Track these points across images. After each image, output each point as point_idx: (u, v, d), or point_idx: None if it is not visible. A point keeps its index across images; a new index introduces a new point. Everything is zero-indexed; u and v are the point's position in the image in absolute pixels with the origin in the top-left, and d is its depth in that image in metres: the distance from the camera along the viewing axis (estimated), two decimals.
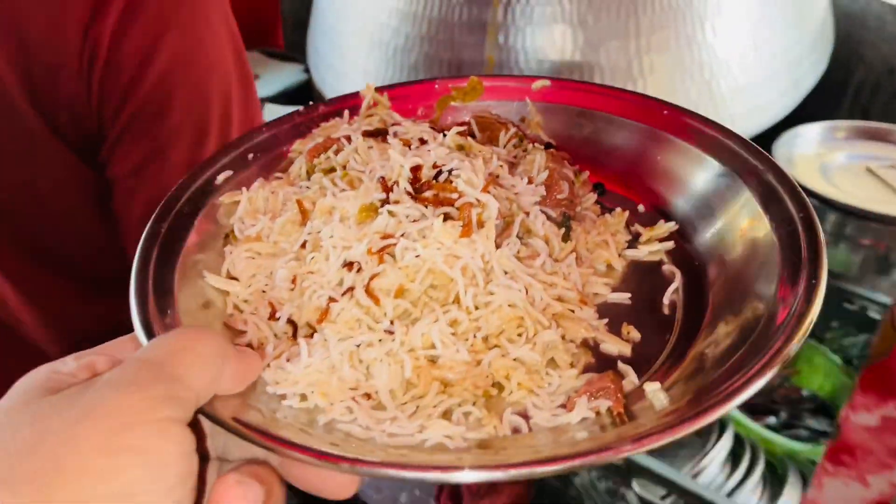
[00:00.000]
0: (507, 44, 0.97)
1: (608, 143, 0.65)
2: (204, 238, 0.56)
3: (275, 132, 0.64)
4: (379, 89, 0.67)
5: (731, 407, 0.39)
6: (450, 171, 0.53)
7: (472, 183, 0.52)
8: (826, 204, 1.02)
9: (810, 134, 1.16)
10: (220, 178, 0.59)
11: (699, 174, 0.58)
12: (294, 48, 1.67)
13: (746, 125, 1.05)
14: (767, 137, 1.10)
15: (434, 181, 0.53)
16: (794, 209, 0.50)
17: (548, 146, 0.65)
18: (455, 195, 0.51)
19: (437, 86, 0.68)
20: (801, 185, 0.51)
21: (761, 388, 0.39)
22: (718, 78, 1.00)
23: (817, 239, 0.47)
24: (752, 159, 0.55)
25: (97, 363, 0.40)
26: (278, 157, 0.63)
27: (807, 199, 0.51)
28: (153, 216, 0.54)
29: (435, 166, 0.54)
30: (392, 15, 1.02)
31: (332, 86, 1.20)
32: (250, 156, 0.62)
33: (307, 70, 1.48)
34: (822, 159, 1.13)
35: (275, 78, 1.59)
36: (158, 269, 0.51)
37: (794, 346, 0.41)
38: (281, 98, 1.50)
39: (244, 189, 0.59)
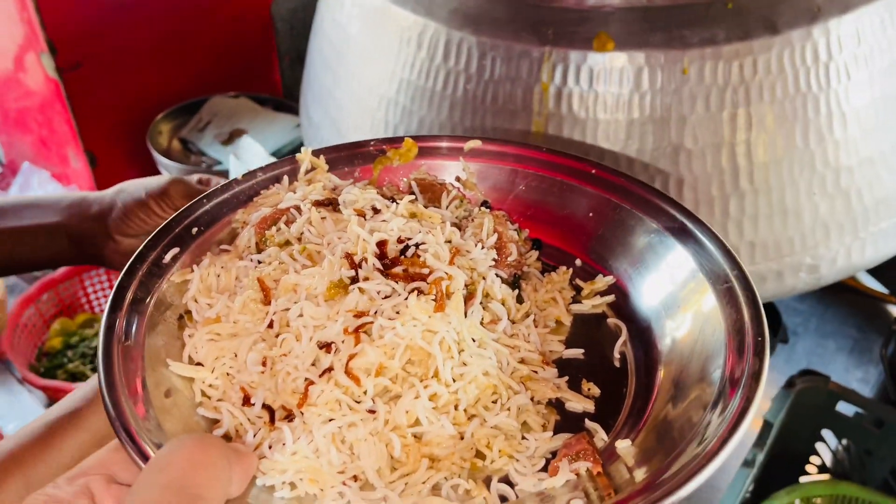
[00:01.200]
0: (559, 137, 0.73)
1: (541, 199, 0.68)
2: (159, 322, 0.54)
3: (216, 202, 0.63)
4: (315, 152, 0.68)
5: (713, 467, 0.43)
6: (417, 246, 0.54)
7: (439, 256, 0.54)
8: None
9: None
10: (168, 256, 0.57)
11: (631, 231, 0.63)
12: (294, 88, 1.46)
13: (895, 243, 0.78)
14: None
15: (402, 256, 0.54)
16: (728, 267, 0.55)
17: (484, 204, 0.68)
18: (425, 270, 0.53)
19: (371, 147, 0.69)
20: None
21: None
22: (861, 186, 0.74)
23: (753, 294, 0.53)
24: (681, 217, 0.60)
25: (92, 485, 0.39)
26: (223, 228, 0.62)
27: (737, 256, 0.56)
28: (108, 306, 0.52)
29: (400, 240, 0.55)
30: (402, 90, 0.77)
31: None
32: (195, 230, 0.60)
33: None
34: None
35: (263, 135, 1.35)
36: (125, 366, 0.49)
37: (754, 405, 0.45)
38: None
39: (194, 267, 0.57)
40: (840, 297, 1.25)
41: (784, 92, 0.71)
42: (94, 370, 1.37)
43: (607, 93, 0.72)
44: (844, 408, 0.96)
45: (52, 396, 1.33)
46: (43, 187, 1.51)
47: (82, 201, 0.84)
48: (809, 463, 1.03)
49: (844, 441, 0.99)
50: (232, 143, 1.39)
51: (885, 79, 0.74)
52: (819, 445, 1.02)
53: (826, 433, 1.00)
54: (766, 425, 0.91)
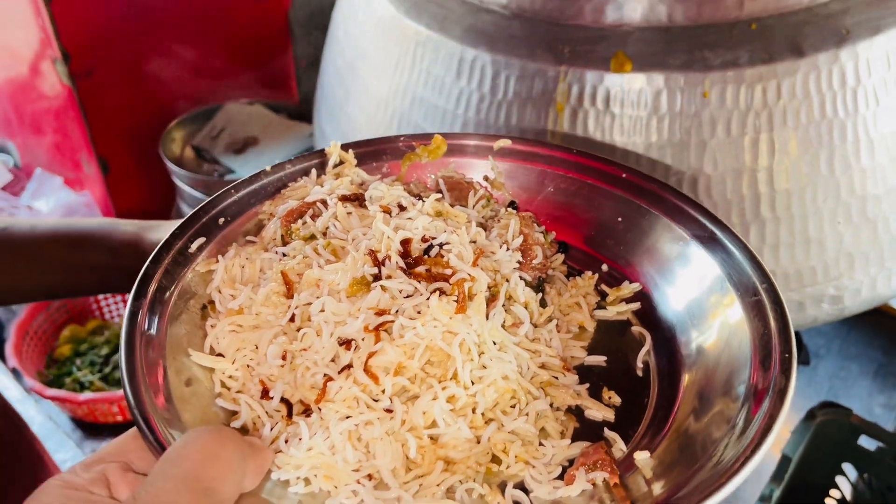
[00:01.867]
0: None
1: (569, 201, 0.67)
2: (182, 311, 0.55)
3: (243, 193, 0.63)
4: (344, 146, 0.67)
5: (732, 487, 0.42)
6: (441, 246, 0.54)
7: (462, 257, 0.53)
8: None
9: None
10: (194, 246, 0.58)
11: (660, 238, 0.61)
12: (310, 95, 1.42)
13: None
14: None
15: (425, 255, 0.54)
16: (757, 279, 0.54)
17: (511, 204, 0.67)
18: (448, 270, 0.52)
19: (401, 143, 0.69)
20: None
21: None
22: (888, 215, 0.71)
23: (782, 308, 0.52)
24: (711, 226, 0.59)
25: (109, 473, 0.39)
26: (250, 219, 0.62)
27: (766, 269, 0.55)
28: (133, 293, 0.52)
29: (424, 239, 0.55)
30: (415, 106, 0.75)
31: None
32: (221, 220, 0.61)
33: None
34: None
35: (276, 144, 1.33)
36: (146, 354, 0.49)
37: (778, 423, 0.44)
38: None
39: (220, 257, 0.58)
40: (864, 318, 1.17)
41: (809, 117, 0.69)
42: (103, 378, 1.37)
43: (624, 115, 0.70)
44: (866, 442, 0.92)
45: (61, 407, 1.33)
46: (55, 193, 1.52)
47: (140, 241, 0.80)
48: (829, 496, 0.98)
49: (866, 475, 0.95)
50: (245, 152, 1.38)
51: None
52: (839, 479, 0.97)
53: (847, 466, 0.95)
54: (784, 459, 0.88)
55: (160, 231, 0.80)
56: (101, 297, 1.51)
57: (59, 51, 1.29)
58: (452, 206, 0.63)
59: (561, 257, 0.65)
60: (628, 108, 0.70)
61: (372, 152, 0.68)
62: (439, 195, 0.61)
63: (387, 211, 0.59)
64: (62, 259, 0.82)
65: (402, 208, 0.59)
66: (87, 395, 1.30)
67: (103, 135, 1.41)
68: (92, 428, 1.35)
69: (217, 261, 0.57)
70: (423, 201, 0.60)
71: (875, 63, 0.69)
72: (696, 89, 0.68)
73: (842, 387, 0.94)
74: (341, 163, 0.67)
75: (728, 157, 0.69)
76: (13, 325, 1.40)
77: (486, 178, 0.69)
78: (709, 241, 0.59)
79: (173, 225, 0.58)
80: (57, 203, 1.51)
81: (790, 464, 0.87)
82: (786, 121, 0.69)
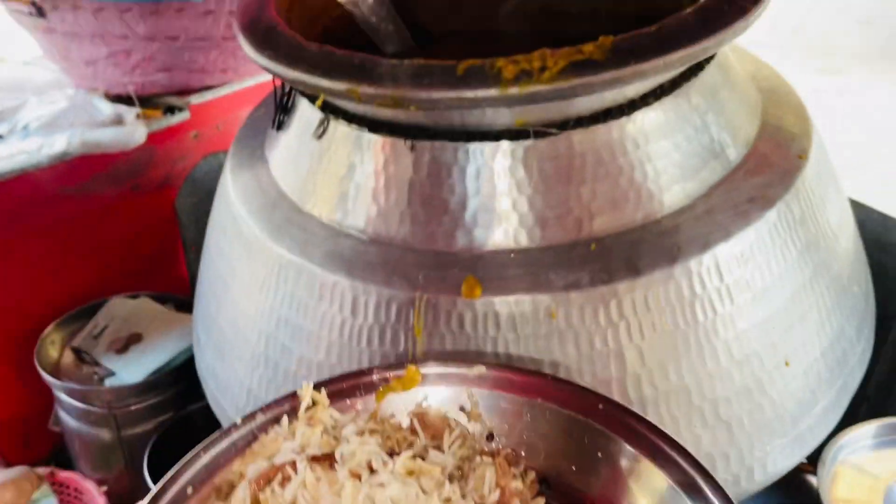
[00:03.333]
0: None
1: (548, 432, 0.66)
2: None
3: (212, 454, 0.61)
4: (317, 385, 0.67)
5: None
6: None
7: None
8: None
9: (862, 441, 0.85)
10: None
11: (644, 483, 0.60)
12: None
13: (783, 463, 0.76)
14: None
15: None
16: None
17: (489, 436, 0.66)
18: None
19: (374, 377, 0.68)
20: None
21: None
22: (741, 415, 0.72)
23: None
24: (692, 472, 0.57)
25: None
26: (222, 477, 0.61)
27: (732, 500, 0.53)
28: None
29: None
30: (281, 327, 0.76)
31: (213, 394, 0.88)
32: (189, 489, 0.59)
33: None
34: (887, 481, 0.82)
35: (160, 340, 1.28)
36: None
37: None
38: (163, 380, 1.22)
39: None
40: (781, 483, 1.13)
41: (652, 331, 0.69)
42: None
43: (478, 338, 0.70)
44: None
45: None
46: None
47: None
48: None
49: None
50: (127, 351, 1.30)
51: (750, 311, 0.72)
52: None
53: None
54: None
55: None
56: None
57: None
58: (427, 447, 0.62)
59: (542, 500, 0.62)
60: (481, 331, 0.70)
61: (345, 389, 0.68)
62: (411, 452, 0.60)
63: (356, 476, 0.57)
64: None
65: (372, 471, 0.58)
66: None
67: None
68: None
69: None
70: (395, 459, 0.58)
71: (706, 277, 0.70)
72: (543, 311, 0.69)
73: None
74: (315, 403, 0.66)
75: (584, 375, 0.70)
76: None
77: (461, 409, 0.68)
78: (690, 489, 0.57)
79: None
80: None
81: None
82: (631, 337, 0.69)
